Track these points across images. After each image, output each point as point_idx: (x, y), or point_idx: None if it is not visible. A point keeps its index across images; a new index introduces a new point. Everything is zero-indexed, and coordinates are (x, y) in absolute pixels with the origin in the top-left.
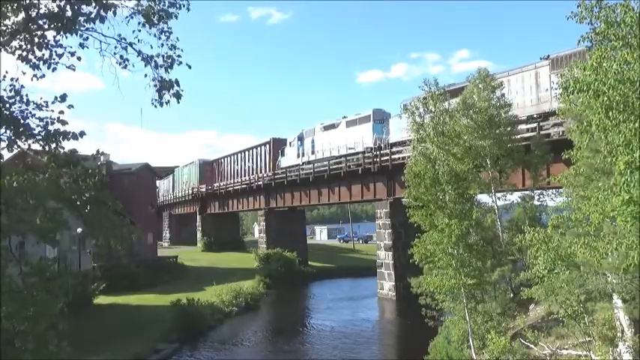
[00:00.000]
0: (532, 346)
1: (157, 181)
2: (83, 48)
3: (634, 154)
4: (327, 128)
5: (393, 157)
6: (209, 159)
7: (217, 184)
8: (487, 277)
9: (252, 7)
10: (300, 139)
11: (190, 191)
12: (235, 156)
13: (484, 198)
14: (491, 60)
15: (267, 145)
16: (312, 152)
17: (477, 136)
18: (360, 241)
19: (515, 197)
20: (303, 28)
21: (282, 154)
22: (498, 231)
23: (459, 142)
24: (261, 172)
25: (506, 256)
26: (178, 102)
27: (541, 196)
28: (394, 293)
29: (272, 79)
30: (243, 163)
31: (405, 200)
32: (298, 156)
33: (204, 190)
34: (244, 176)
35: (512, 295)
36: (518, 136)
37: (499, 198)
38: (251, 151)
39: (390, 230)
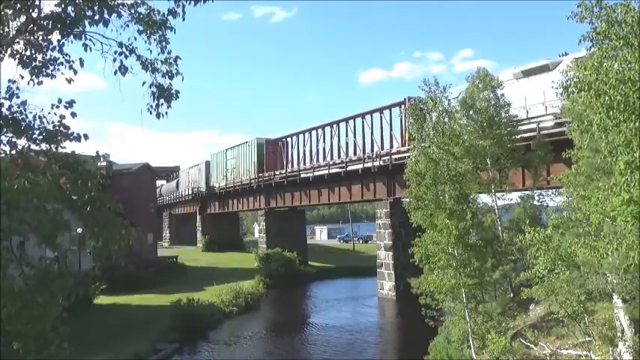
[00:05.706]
0: (532, 346)
1: (180, 171)
2: (82, 65)
3: (634, 153)
4: (528, 73)
5: (392, 157)
6: (270, 137)
7: (288, 169)
8: (487, 277)
9: (255, 6)
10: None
11: (248, 179)
12: (319, 131)
13: (484, 198)
14: (494, 60)
15: (393, 110)
16: None
17: (476, 136)
18: (360, 241)
19: (515, 197)
20: (306, 26)
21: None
22: (498, 231)
23: (458, 141)
24: (374, 149)
25: (506, 256)
26: (169, 107)
27: (541, 196)
28: (394, 293)
29: (274, 78)
30: (335, 140)
31: (405, 201)
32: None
33: (203, 189)
34: (339, 157)
35: (512, 295)
36: (519, 136)
37: (499, 198)
38: (353, 120)
39: (390, 230)
